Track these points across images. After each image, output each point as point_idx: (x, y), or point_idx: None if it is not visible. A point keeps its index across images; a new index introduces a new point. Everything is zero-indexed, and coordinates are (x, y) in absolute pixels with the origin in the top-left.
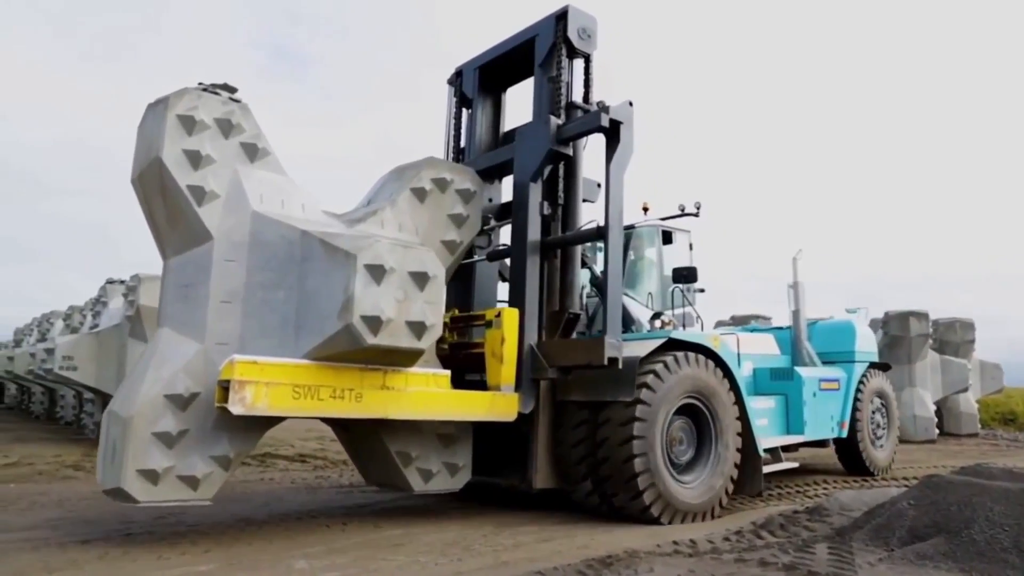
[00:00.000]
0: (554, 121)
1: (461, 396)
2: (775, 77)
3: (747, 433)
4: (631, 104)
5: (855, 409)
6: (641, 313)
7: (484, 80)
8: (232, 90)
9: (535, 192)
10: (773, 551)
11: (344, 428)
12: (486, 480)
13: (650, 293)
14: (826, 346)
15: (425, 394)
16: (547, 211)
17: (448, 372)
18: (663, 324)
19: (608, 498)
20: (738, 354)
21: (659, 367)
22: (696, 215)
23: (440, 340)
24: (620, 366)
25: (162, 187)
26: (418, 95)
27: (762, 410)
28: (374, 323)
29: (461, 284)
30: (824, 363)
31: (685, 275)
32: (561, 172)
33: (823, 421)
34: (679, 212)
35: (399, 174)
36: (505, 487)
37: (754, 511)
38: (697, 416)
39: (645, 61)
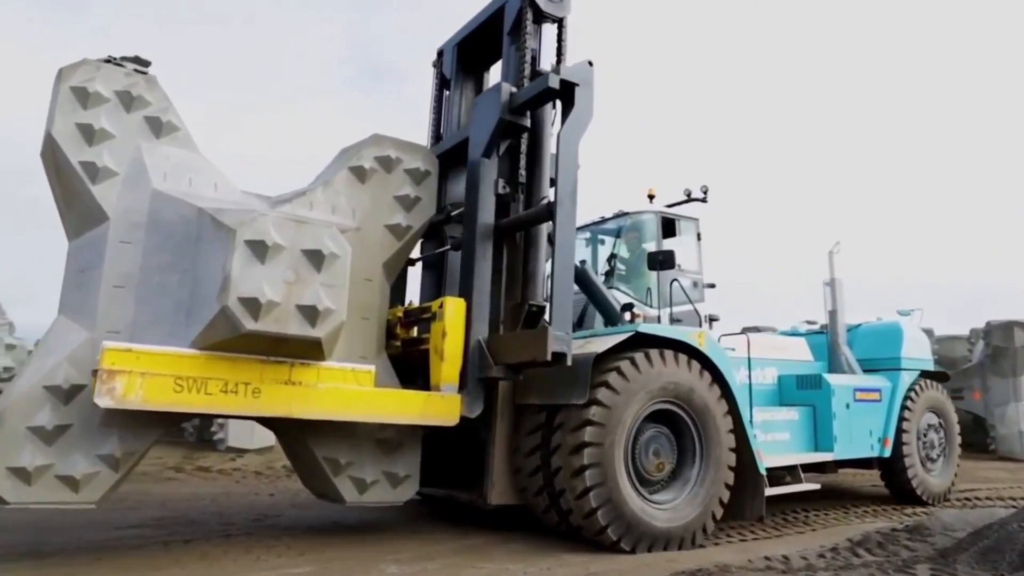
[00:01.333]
0: (506, 88)
1: (388, 396)
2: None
3: (745, 448)
4: (591, 64)
5: (901, 424)
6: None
7: (463, 58)
8: (143, 63)
9: (488, 169)
10: (872, 571)
11: (276, 430)
12: (449, 494)
13: (649, 289)
14: (869, 352)
15: (342, 392)
16: (503, 190)
17: (372, 368)
18: (633, 317)
19: (565, 516)
20: (749, 358)
21: (624, 364)
22: (703, 200)
23: (392, 336)
24: (568, 363)
25: (55, 164)
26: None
27: (782, 422)
28: (253, 306)
29: (432, 275)
30: (866, 371)
31: (661, 260)
32: (524, 147)
33: (859, 437)
34: (684, 198)
35: (343, 154)
36: (467, 503)
37: (848, 527)
38: (678, 426)
39: (666, 30)
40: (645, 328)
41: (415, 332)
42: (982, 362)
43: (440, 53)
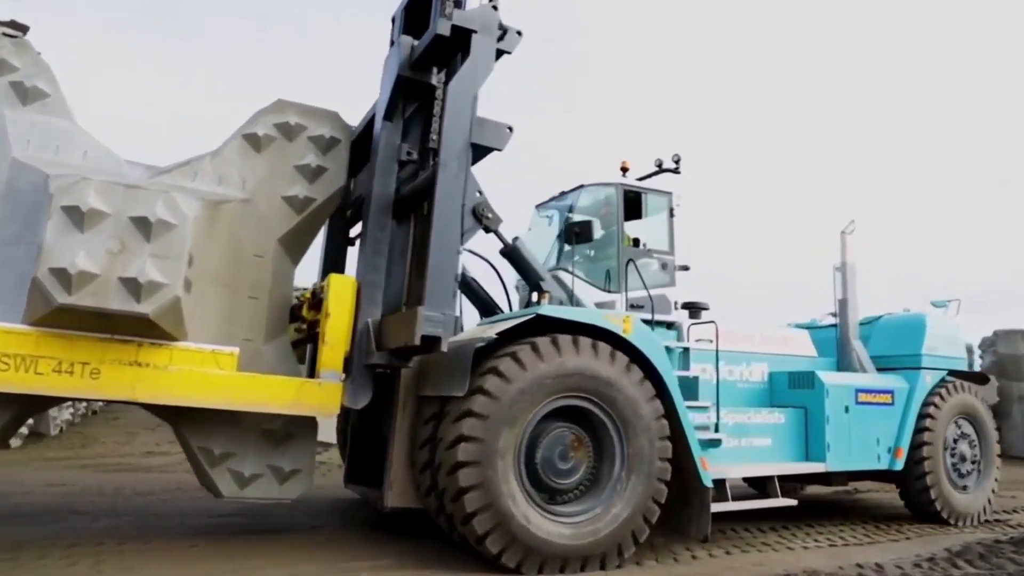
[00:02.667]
0: (406, 42)
1: (251, 381)
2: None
3: (685, 455)
4: (495, 8)
5: (920, 433)
6: (588, 295)
7: (410, 23)
8: (20, 28)
9: (389, 133)
10: None
11: (159, 416)
12: (365, 494)
13: (608, 271)
14: (887, 348)
15: (196, 376)
16: (407, 156)
17: (236, 350)
18: (539, 298)
19: (451, 520)
20: (716, 351)
21: (523, 350)
22: (675, 171)
23: (298, 319)
24: (443, 348)
25: None
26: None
27: (762, 426)
28: (64, 277)
29: None
30: (882, 370)
31: (577, 232)
32: (438, 109)
33: (862, 446)
34: (655, 169)
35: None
36: (373, 504)
37: (947, 537)
38: (596, 427)
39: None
40: (549, 311)
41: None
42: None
43: (393, 20)
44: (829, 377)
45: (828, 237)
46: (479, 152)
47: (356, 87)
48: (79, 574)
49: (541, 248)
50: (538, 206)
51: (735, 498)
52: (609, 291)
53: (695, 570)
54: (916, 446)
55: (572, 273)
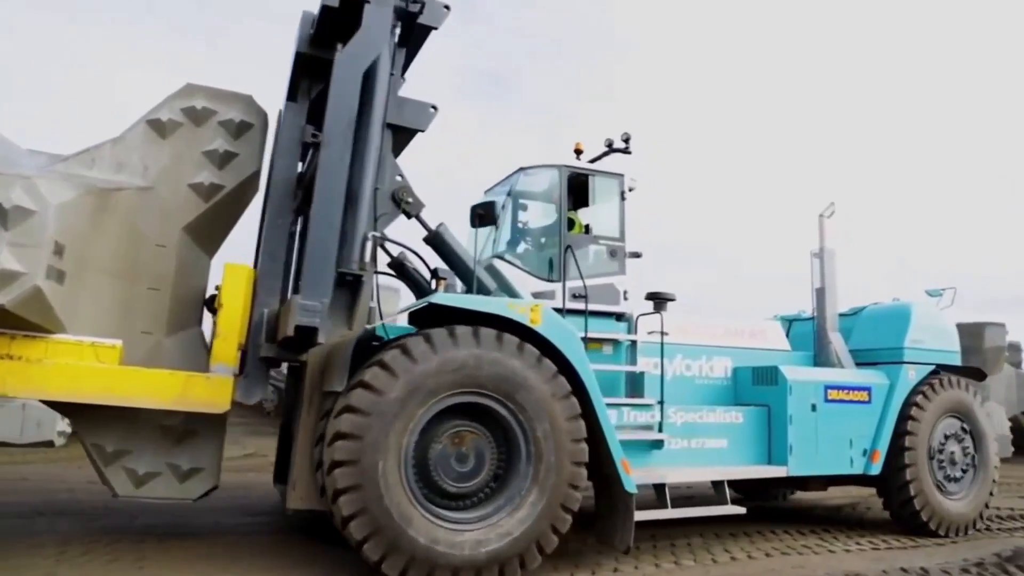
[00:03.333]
0: (306, 16)
1: (132, 376)
2: None
3: (606, 459)
4: None
5: (901, 434)
6: (524, 285)
7: None
8: None
9: (291, 115)
10: None
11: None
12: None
13: (551, 259)
14: (870, 340)
15: (72, 369)
16: (311, 138)
17: (119, 343)
18: (437, 285)
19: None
20: (661, 343)
21: (411, 342)
22: (626, 151)
23: (214, 311)
24: (321, 339)
25: None
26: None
27: (715, 426)
28: None
29: None
30: (863, 364)
31: (481, 215)
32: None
33: (832, 448)
34: (605, 149)
35: None
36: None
37: (994, 540)
38: (502, 426)
39: None
40: (443, 299)
41: None
42: None
43: None
44: (793, 372)
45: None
46: (402, 134)
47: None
48: (122, 570)
49: (489, 236)
50: (486, 192)
51: (687, 505)
52: (551, 280)
53: (733, 571)
54: (896, 448)
55: (508, 261)
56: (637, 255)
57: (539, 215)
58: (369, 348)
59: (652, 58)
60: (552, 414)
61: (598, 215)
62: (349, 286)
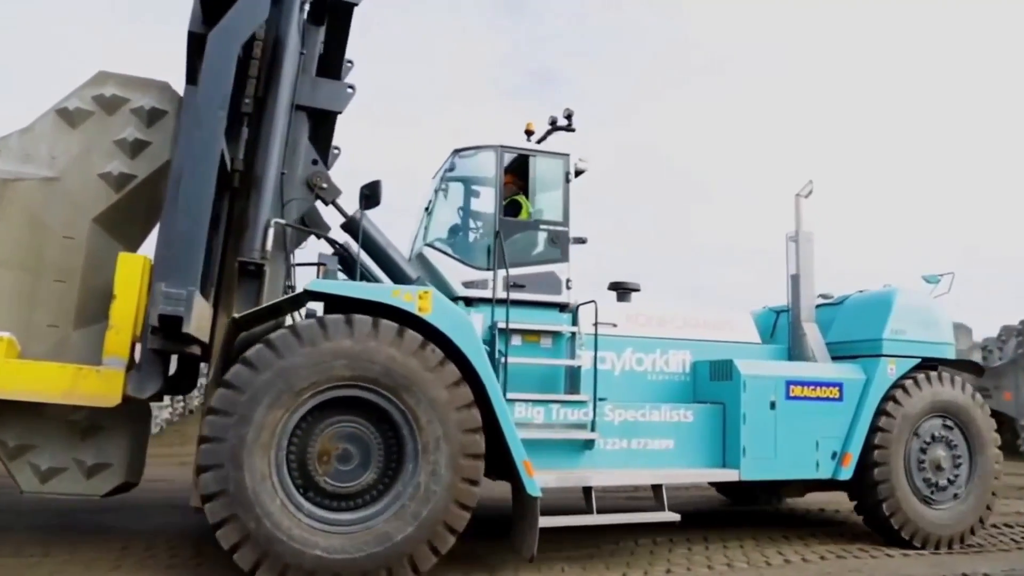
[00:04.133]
0: None
1: (21, 368)
2: None
3: (508, 459)
4: None
5: (875, 433)
6: (456, 274)
7: None
8: None
9: (189, 97)
10: None
11: None
12: None
13: (489, 246)
14: (850, 332)
15: None
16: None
17: (6, 335)
18: (319, 272)
19: None
20: (595, 334)
21: (278, 335)
22: (568, 128)
23: None
24: (187, 328)
25: None
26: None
27: (659, 425)
28: None
29: None
30: (841, 357)
31: (366, 196)
32: (255, 70)
33: (794, 450)
34: (548, 128)
35: None
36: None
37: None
38: (390, 422)
39: None
40: (319, 286)
41: None
42: (1014, 359)
43: None
44: (749, 366)
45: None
46: (319, 116)
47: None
48: (183, 565)
49: (422, 223)
50: (433, 178)
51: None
52: (490, 268)
53: (787, 574)
54: (868, 450)
55: (439, 249)
56: (582, 241)
57: (475, 200)
58: None
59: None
60: (440, 404)
61: (541, 198)
62: (252, 275)
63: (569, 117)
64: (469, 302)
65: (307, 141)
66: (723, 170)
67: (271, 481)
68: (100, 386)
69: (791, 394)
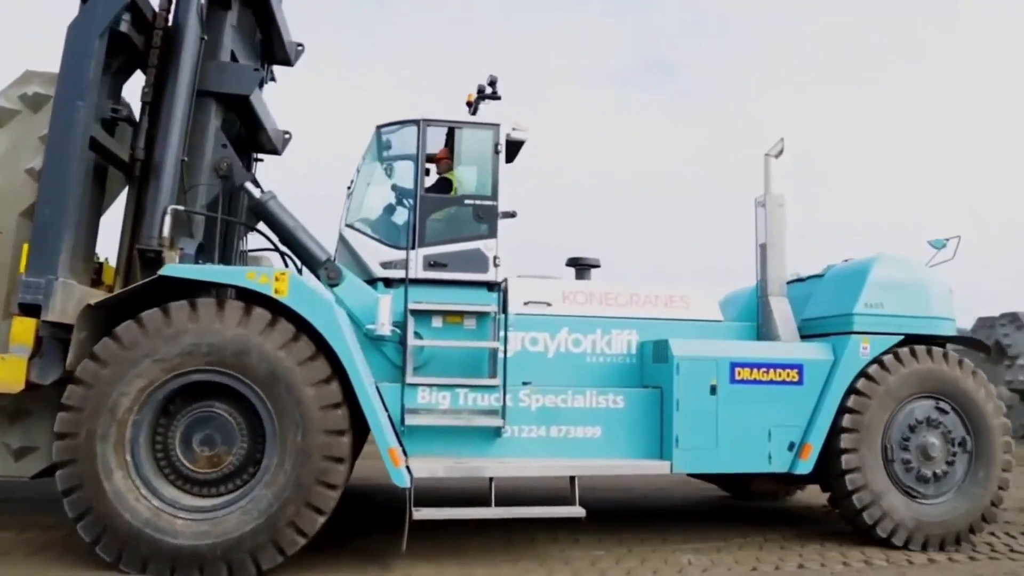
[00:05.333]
0: None
1: None
2: None
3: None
4: None
5: (844, 415)
6: (375, 254)
7: None
8: None
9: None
10: None
11: None
12: None
13: (413, 225)
14: (825, 307)
15: None
16: (111, 113)
17: None
18: (155, 256)
19: None
20: (504, 313)
21: (123, 328)
22: (493, 96)
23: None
24: (46, 317)
25: None
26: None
27: (584, 412)
28: None
29: None
30: (812, 336)
31: (223, 176)
32: (154, 59)
33: (740, 440)
34: (477, 96)
35: None
36: None
37: None
38: (249, 405)
39: None
40: (172, 271)
41: None
42: None
43: None
44: (684, 347)
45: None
46: (227, 100)
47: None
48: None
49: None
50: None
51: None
52: (403, 248)
53: (931, 575)
54: (836, 434)
55: (358, 230)
56: (511, 215)
57: (397, 177)
58: None
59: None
60: (293, 383)
61: (470, 172)
62: (153, 263)
63: (493, 84)
64: (389, 283)
65: (216, 126)
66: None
67: (126, 473)
68: (5, 373)
69: (737, 377)
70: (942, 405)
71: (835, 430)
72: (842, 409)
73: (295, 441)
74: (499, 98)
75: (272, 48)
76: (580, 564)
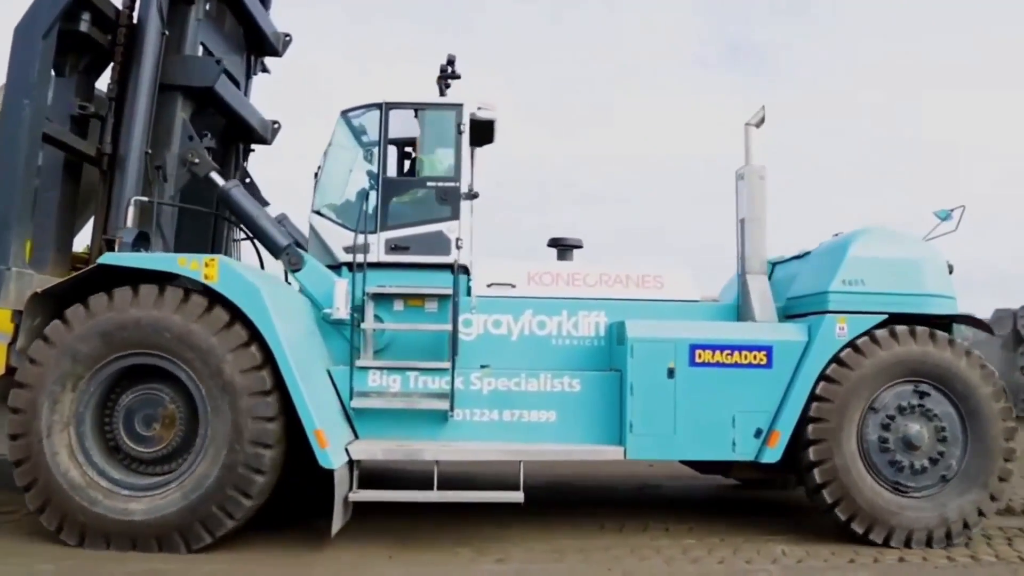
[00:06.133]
0: None
1: None
2: None
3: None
4: None
5: (812, 402)
6: (338, 239)
7: None
8: None
9: (61, 89)
10: None
11: None
12: None
13: (376, 209)
14: (806, 286)
15: None
16: (79, 111)
17: None
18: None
19: None
20: (454, 297)
21: (71, 310)
22: (453, 76)
23: None
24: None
25: None
26: None
27: (539, 396)
28: None
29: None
30: (792, 317)
31: (158, 166)
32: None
33: (700, 427)
34: (439, 77)
35: None
36: None
37: None
38: (185, 388)
39: None
40: (111, 259)
41: None
42: None
43: None
44: (640, 328)
45: None
46: (193, 93)
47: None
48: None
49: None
50: None
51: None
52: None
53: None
54: (805, 424)
55: (323, 215)
56: (473, 195)
57: (361, 161)
58: None
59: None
60: (224, 368)
61: (433, 153)
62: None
63: (451, 63)
64: (352, 267)
65: (184, 119)
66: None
67: (71, 449)
68: None
69: (697, 360)
70: (929, 390)
71: (804, 419)
72: (812, 395)
73: (224, 425)
74: (458, 77)
75: (259, 40)
76: (671, 552)
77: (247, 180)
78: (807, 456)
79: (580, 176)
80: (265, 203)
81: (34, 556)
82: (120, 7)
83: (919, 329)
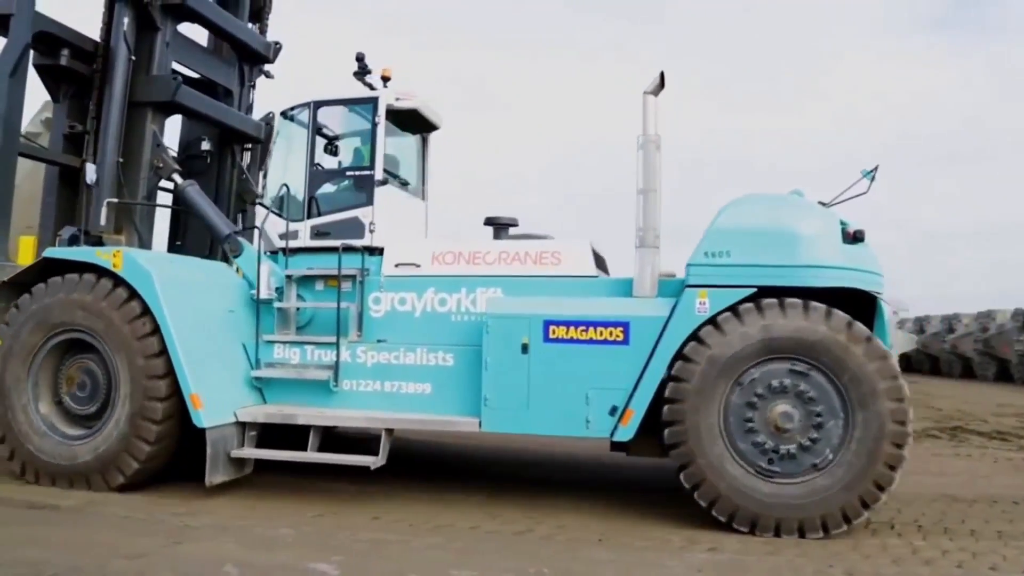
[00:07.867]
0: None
1: None
2: None
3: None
4: None
5: (670, 385)
6: (276, 228)
7: None
8: None
9: (59, 112)
10: None
11: None
12: None
13: (314, 199)
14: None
15: None
16: (68, 129)
17: None
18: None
19: None
20: (339, 275)
21: (23, 298)
22: (365, 71)
23: None
24: None
25: None
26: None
27: (415, 369)
28: None
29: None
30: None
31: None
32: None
33: (554, 402)
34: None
35: None
36: None
37: None
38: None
39: None
40: (51, 252)
41: None
42: None
43: None
44: (497, 304)
45: None
46: (160, 107)
47: None
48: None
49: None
50: None
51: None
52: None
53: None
54: (660, 405)
55: (264, 207)
56: (383, 182)
57: (295, 156)
58: None
59: None
60: (123, 338)
61: (354, 145)
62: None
63: (360, 59)
64: (285, 252)
65: (153, 128)
66: None
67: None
68: None
69: (551, 336)
70: (805, 369)
71: (658, 400)
72: (669, 375)
73: (126, 384)
74: (369, 71)
75: (248, 51)
76: (901, 552)
77: (243, 176)
78: (665, 437)
79: None
80: (258, 195)
81: (275, 521)
82: (99, 40)
83: (789, 301)
